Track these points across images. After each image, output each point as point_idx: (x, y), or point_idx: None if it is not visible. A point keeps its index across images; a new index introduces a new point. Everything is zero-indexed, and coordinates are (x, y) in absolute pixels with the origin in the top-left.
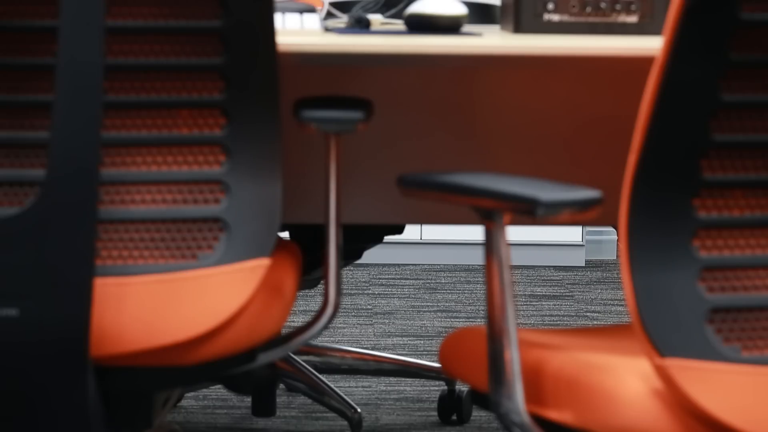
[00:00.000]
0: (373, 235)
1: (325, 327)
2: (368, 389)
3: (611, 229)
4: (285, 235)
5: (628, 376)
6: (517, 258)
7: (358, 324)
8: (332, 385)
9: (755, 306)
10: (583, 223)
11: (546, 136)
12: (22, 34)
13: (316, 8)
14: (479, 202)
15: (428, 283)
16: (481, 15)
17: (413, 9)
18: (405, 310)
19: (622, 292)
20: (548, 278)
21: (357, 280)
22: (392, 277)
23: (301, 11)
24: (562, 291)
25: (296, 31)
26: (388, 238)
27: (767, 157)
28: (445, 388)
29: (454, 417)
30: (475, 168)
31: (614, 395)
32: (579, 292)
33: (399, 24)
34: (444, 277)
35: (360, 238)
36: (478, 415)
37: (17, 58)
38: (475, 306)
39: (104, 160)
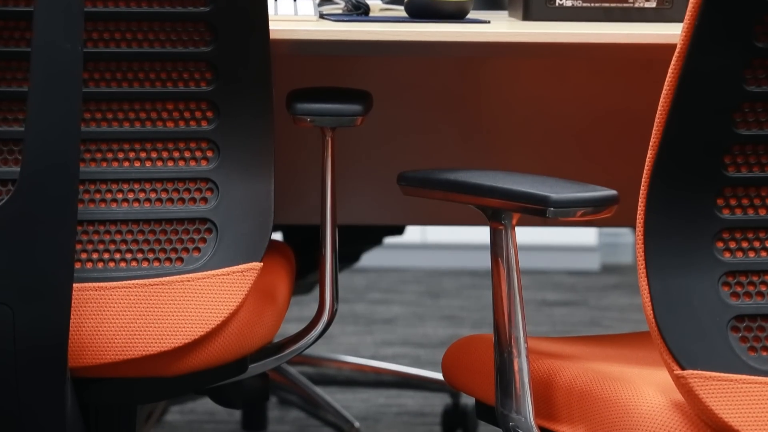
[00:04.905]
0: (372, 236)
1: (321, 335)
2: (367, 402)
3: (628, 230)
4: (278, 236)
5: (646, 389)
6: (526, 261)
7: (355, 332)
8: (328, 398)
9: None
10: (597, 224)
11: (557, 130)
12: None
13: None
14: (486, 202)
15: (431, 288)
16: (488, 1)
17: None
18: (406, 318)
19: (639, 298)
20: (560, 283)
21: (355, 285)
22: (392, 281)
23: None
24: (575, 297)
25: (290, 17)
26: (387, 240)
27: None
28: (449, 401)
29: None
30: (482, 165)
31: (631, 409)
32: (593, 298)
33: (399, 10)
34: (448, 282)
35: (358, 240)
36: (484, 429)
37: None
38: (482, 313)
39: (83, 156)
